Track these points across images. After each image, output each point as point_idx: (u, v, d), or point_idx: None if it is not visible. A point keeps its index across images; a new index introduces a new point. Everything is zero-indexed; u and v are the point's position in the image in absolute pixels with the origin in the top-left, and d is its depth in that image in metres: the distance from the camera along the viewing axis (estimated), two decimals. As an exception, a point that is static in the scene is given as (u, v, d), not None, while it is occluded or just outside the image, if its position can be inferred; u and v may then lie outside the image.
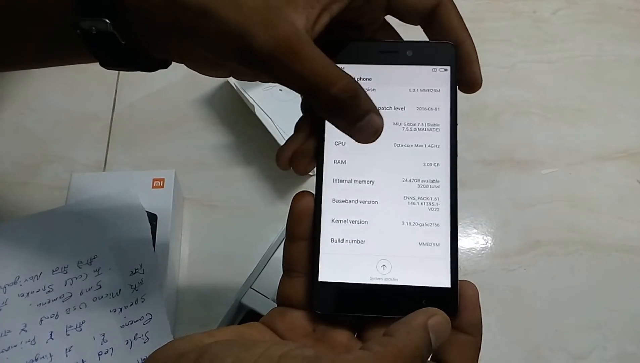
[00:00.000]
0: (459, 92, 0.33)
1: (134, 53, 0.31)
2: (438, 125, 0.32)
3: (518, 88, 0.65)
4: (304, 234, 0.31)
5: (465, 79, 0.33)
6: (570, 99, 0.64)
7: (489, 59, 0.67)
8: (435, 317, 0.26)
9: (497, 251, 0.56)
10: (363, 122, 0.27)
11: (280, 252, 0.51)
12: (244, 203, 0.58)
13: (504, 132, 0.62)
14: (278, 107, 0.59)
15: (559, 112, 0.63)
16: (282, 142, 0.56)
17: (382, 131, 0.28)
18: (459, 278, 0.30)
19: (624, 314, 0.53)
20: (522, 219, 0.57)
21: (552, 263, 0.55)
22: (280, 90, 0.61)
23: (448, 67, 0.32)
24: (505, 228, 0.57)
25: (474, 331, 0.28)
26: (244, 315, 0.49)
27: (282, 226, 0.52)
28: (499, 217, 0.57)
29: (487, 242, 0.56)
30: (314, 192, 0.32)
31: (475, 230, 0.57)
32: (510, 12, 0.70)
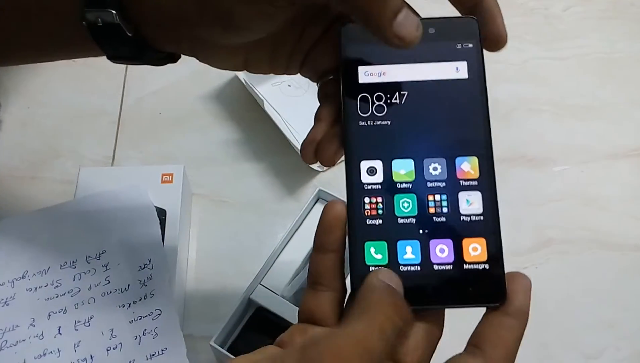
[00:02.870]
0: None
1: (141, 46, 0.31)
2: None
3: (530, 85, 0.64)
4: (333, 246, 0.29)
5: (489, 34, 0.31)
6: (582, 96, 0.64)
7: (501, 55, 0.64)
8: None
9: (509, 250, 0.54)
10: (402, 15, 0.26)
11: (289, 248, 0.51)
12: (253, 198, 0.57)
13: (515, 130, 0.61)
14: (287, 103, 0.59)
15: (571, 110, 0.63)
16: (291, 137, 0.56)
17: (421, 26, 0.27)
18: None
19: (638, 313, 0.52)
20: (534, 217, 0.57)
21: (564, 261, 0.55)
22: (289, 85, 0.61)
23: (472, 44, 0.31)
24: (517, 226, 0.56)
25: (519, 316, 0.28)
26: (253, 311, 0.48)
27: (291, 222, 0.52)
28: (511, 215, 0.57)
29: (498, 240, 0.56)
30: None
31: (486, 228, 0.56)
32: (522, 9, 0.69)
